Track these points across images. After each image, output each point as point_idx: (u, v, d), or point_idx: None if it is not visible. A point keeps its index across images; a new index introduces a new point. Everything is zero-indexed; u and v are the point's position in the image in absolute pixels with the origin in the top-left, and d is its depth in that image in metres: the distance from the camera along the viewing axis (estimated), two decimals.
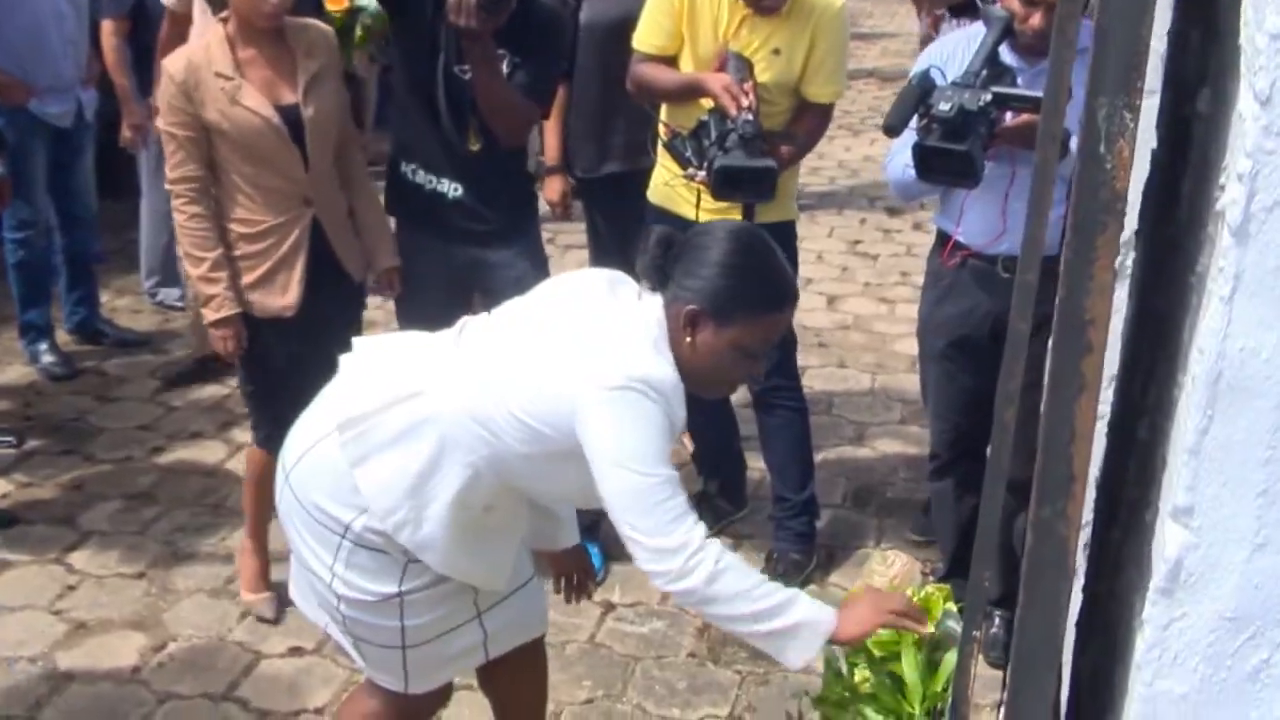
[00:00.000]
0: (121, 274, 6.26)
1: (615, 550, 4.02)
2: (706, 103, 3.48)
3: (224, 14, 3.43)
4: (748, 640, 2.27)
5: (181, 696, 3.39)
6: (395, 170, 3.67)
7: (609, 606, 3.79)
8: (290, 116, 3.41)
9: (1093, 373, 1.01)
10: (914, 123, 3.05)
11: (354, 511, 2.33)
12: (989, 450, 3.32)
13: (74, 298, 5.56)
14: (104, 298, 5.85)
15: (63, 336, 5.53)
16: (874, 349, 5.61)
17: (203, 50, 3.39)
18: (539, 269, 3.68)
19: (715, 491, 4.22)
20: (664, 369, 2.20)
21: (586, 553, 2.88)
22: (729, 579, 2.14)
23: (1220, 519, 1.01)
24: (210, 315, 3.42)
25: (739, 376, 2.45)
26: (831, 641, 2.24)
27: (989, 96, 2.94)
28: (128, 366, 5.42)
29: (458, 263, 3.64)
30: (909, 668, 2.27)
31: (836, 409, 4.99)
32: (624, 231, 4.27)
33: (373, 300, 3.83)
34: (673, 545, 2.12)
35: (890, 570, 2.66)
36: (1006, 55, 3.10)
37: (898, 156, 3.28)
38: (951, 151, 2.94)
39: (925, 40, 9.57)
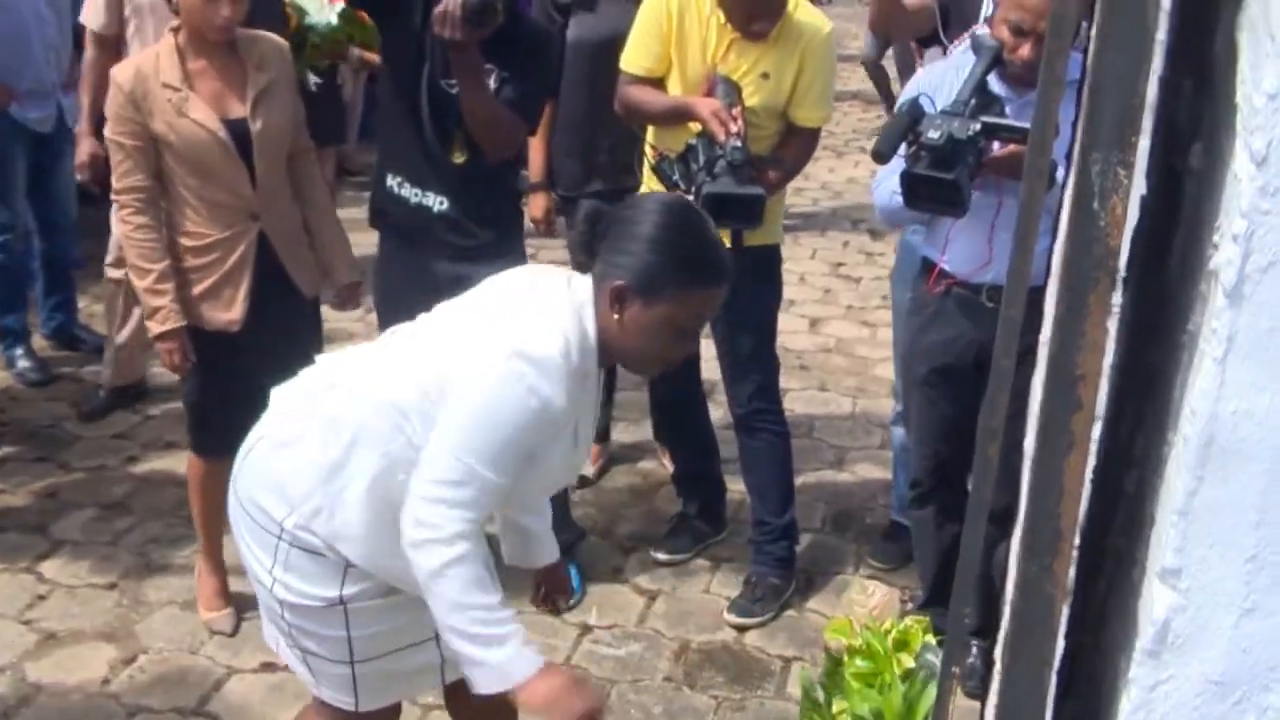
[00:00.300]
0: (99, 280, 6.17)
1: (592, 572, 4.01)
2: (695, 126, 3.48)
3: (174, 24, 3.40)
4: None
5: (152, 710, 3.36)
6: (381, 182, 3.64)
7: (585, 629, 3.78)
8: (238, 130, 3.38)
9: (1082, 430, 1.00)
10: (902, 150, 3.05)
11: (286, 507, 2.30)
12: (970, 482, 3.33)
13: (51, 303, 5.52)
14: (81, 304, 5.80)
15: (39, 342, 5.49)
16: (856, 373, 5.61)
17: (151, 60, 3.36)
18: None
19: (694, 513, 4.21)
20: (551, 344, 2.15)
21: (566, 571, 2.86)
22: (449, 585, 2.11)
23: (1209, 582, 1.00)
24: (156, 328, 3.38)
25: (673, 354, 2.38)
26: (510, 695, 2.17)
27: (978, 126, 2.94)
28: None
29: (441, 278, 3.61)
30: (890, 702, 2.26)
31: (817, 432, 4.99)
32: None
33: (353, 314, 3.81)
34: (426, 518, 2.12)
35: (870, 600, 2.65)
36: (995, 85, 3.11)
37: (885, 183, 3.27)
38: (939, 180, 2.94)
39: (870, 64, 9.61)
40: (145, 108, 3.30)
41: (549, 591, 2.82)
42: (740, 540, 4.17)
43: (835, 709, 2.41)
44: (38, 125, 5.05)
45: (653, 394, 4.28)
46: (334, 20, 5.24)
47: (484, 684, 2.17)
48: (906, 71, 10.09)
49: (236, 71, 3.40)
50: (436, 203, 3.55)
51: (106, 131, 3.39)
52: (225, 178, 3.38)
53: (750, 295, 3.72)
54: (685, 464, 4.22)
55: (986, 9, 3.58)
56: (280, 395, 2.44)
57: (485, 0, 3.21)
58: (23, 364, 5.27)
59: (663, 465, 4.67)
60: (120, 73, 3.33)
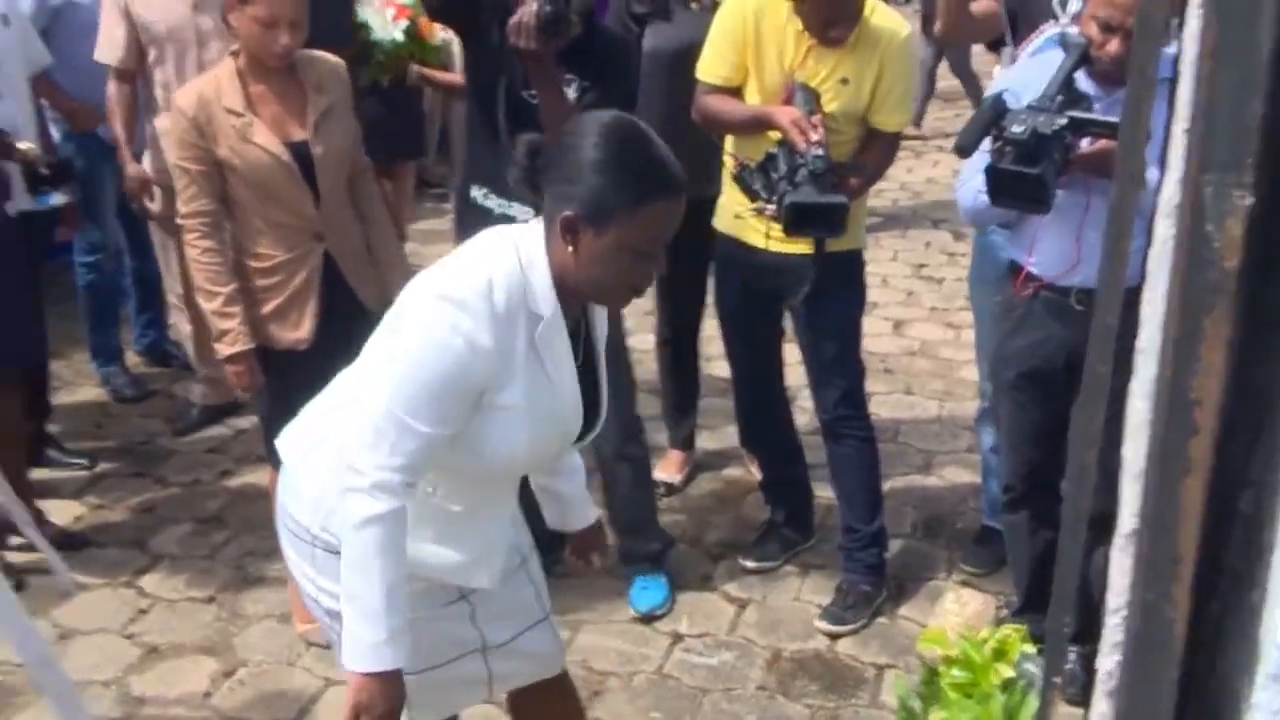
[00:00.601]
0: None
1: (681, 580, 4.02)
2: (774, 134, 3.47)
3: (235, 48, 3.45)
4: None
5: None
6: (465, 194, 3.68)
7: (676, 637, 3.78)
8: (300, 153, 3.42)
9: (1200, 454, 0.99)
10: (987, 145, 3.02)
11: (311, 512, 2.34)
12: (1065, 487, 3.29)
13: (143, 320, 5.64)
14: (171, 320, 5.91)
15: (132, 359, 5.61)
16: (941, 375, 5.57)
17: (213, 85, 3.40)
18: None
19: (782, 521, 4.20)
20: (472, 284, 2.11)
21: (601, 531, 2.81)
22: (361, 541, 2.11)
23: None
24: (225, 350, 3.43)
25: (638, 279, 2.23)
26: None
27: (1064, 121, 2.91)
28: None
29: None
30: (990, 712, 2.25)
31: (903, 437, 4.95)
32: (686, 259, 4.27)
33: None
34: (354, 463, 2.13)
35: (965, 610, 2.64)
36: (1083, 82, 3.07)
37: (969, 181, 3.24)
38: (1024, 175, 2.90)
39: (928, 69, 9.51)
40: (209, 133, 3.35)
41: (581, 550, 2.78)
42: (829, 547, 4.15)
43: (933, 719, 2.40)
44: None
45: (738, 401, 4.27)
46: (398, 37, 5.31)
47: (345, 656, 2.18)
48: (965, 78, 10.00)
49: (297, 95, 3.45)
50: (521, 213, 3.58)
51: (170, 157, 3.46)
52: (289, 200, 3.43)
53: (834, 300, 3.72)
54: (772, 471, 4.21)
55: (1059, 10, 3.54)
56: (309, 405, 2.50)
57: (558, 10, 3.25)
58: (117, 381, 5.38)
59: (749, 472, 4.66)
60: (183, 99, 3.37)
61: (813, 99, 3.47)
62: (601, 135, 2.14)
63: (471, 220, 3.67)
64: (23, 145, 4.01)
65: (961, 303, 6.36)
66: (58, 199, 4.05)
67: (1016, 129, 2.90)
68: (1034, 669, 2.35)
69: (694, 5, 3.99)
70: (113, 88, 4.66)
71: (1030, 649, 2.40)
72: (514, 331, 2.16)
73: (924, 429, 5.07)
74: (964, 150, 3.12)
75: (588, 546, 2.77)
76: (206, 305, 3.45)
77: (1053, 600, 1.88)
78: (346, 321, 3.53)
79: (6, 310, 3.89)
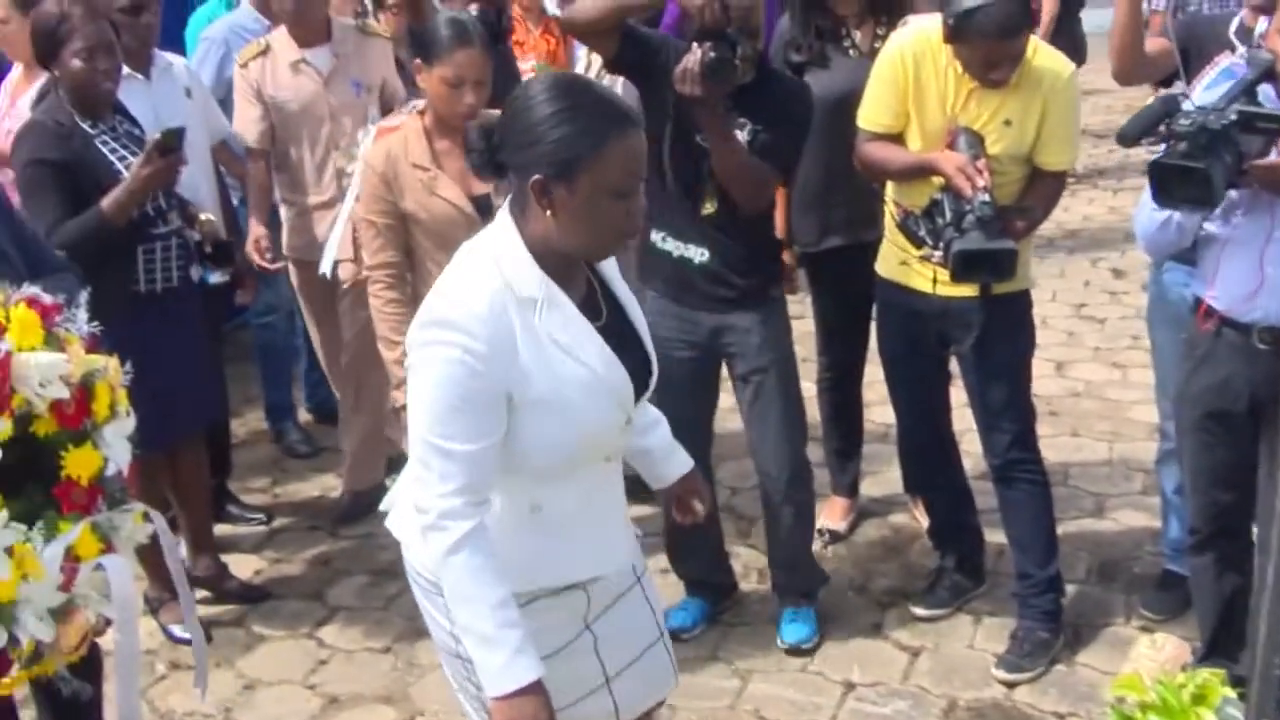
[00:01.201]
0: None
1: (851, 628, 3.98)
2: (938, 179, 3.46)
3: (420, 107, 3.62)
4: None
5: None
6: (646, 238, 3.73)
7: (849, 686, 3.75)
8: (483, 206, 3.55)
9: None
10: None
11: (422, 559, 2.39)
12: (1256, 529, 3.21)
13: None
14: None
15: (304, 415, 5.77)
16: (1108, 416, 5.44)
17: (400, 142, 3.56)
18: (781, 335, 3.77)
19: (952, 566, 4.13)
20: (453, 299, 2.16)
21: (698, 477, 2.76)
22: (452, 574, 2.17)
23: None
24: (402, 399, 3.40)
25: (623, 221, 2.21)
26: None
27: (1234, 115, 2.83)
28: None
29: (704, 329, 3.73)
30: None
31: (1073, 480, 4.84)
32: (848, 304, 4.27)
33: None
34: (417, 503, 2.19)
35: (1160, 655, 2.56)
36: (1269, 101, 2.98)
37: (1145, 207, 3.18)
38: (1190, 170, 2.82)
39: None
40: (397, 187, 3.51)
41: (683, 497, 2.73)
42: (1001, 592, 4.08)
43: None
44: None
45: (902, 445, 4.24)
46: None
47: (486, 687, 2.20)
48: None
49: None
50: (697, 254, 3.65)
51: (358, 211, 3.59)
52: None
53: (1002, 343, 3.68)
54: (941, 516, 4.16)
55: (1235, 40, 3.46)
56: None
57: (723, 57, 3.31)
58: (291, 437, 5.55)
59: (915, 518, 4.61)
60: (373, 156, 3.55)
61: (977, 143, 3.46)
62: (545, 92, 2.16)
63: (651, 264, 3.76)
64: (204, 216, 4.17)
65: (1126, 342, 6.23)
66: (217, 277, 4.18)
67: (1184, 121, 2.85)
68: (1238, 713, 2.27)
69: (852, 52, 4.00)
70: (251, 169, 4.80)
71: (1232, 693, 2.32)
72: (508, 326, 2.18)
73: (1094, 471, 4.95)
74: (1125, 138, 3.05)
75: (689, 493, 2.73)
76: (389, 354, 3.58)
77: (1262, 641, 1.83)
78: None
79: (194, 372, 4.05)
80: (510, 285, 2.19)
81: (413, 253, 3.58)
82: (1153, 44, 3.77)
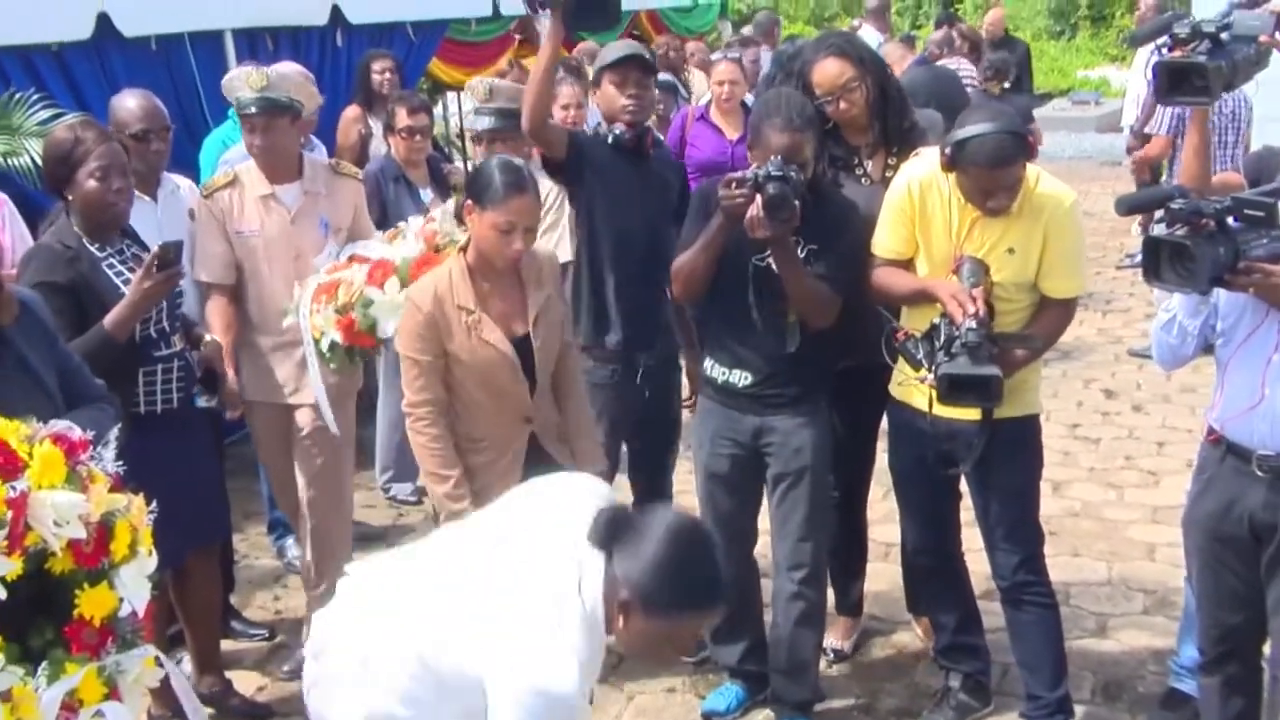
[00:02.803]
0: (355, 469, 6.50)
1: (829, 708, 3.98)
2: (940, 305, 3.55)
3: (463, 244, 3.64)
4: None
5: None
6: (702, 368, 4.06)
7: None
8: (523, 349, 3.61)
9: None
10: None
11: None
12: (1269, 649, 3.23)
13: None
14: None
15: None
16: (1106, 536, 5.48)
17: (445, 282, 3.58)
18: (819, 444, 3.92)
19: (959, 686, 4.13)
20: (566, 682, 2.39)
21: None
22: None
23: None
24: None
25: (669, 655, 2.83)
26: None
27: (1227, 201, 2.95)
28: (367, 560, 5.60)
29: (747, 429, 3.93)
30: None
31: (1074, 599, 4.87)
32: (857, 424, 4.32)
33: None
34: None
35: None
36: None
37: (1162, 318, 3.32)
38: (1180, 248, 2.93)
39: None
40: (443, 327, 3.53)
41: None
42: (1008, 712, 4.09)
43: None
44: None
45: (909, 563, 4.28)
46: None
47: None
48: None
49: (518, 291, 3.65)
50: (740, 378, 3.91)
51: (401, 348, 3.61)
52: (509, 391, 3.62)
53: (1010, 466, 3.74)
54: (948, 635, 4.16)
55: None
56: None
57: (783, 194, 3.51)
58: (293, 553, 5.53)
59: (919, 638, 4.62)
60: (419, 296, 3.58)
61: (979, 270, 3.55)
62: (668, 544, 2.46)
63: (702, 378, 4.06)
64: (209, 337, 4.18)
65: (1120, 462, 6.31)
66: (203, 402, 4.19)
67: (1180, 202, 2.96)
68: None
69: (864, 180, 4.10)
70: (211, 305, 4.47)
71: None
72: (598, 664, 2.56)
73: (1095, 591, 4.98)
74: (1122, 205, 3.28)
75: None
76: (438, 489, 3.60)
77: None
78: None
79: (204, 488, 4.08)
80: (594, 647, 2.52)
81: (451, 389, 3.61)
82: (1222, 177, 3.89)
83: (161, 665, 2.44)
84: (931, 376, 3.49)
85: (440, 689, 2.59)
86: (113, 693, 2.30)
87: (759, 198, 3.52)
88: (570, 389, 3.87)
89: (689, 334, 4.32)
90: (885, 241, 3.75)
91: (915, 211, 3.66)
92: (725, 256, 3.75)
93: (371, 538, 5.78)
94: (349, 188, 4.71)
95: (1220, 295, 3.13)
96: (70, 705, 2.22)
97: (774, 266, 3.72)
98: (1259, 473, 3.14)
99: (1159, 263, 3.00)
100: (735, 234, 3.65)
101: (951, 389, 3.43)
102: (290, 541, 5.56)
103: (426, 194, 5.96)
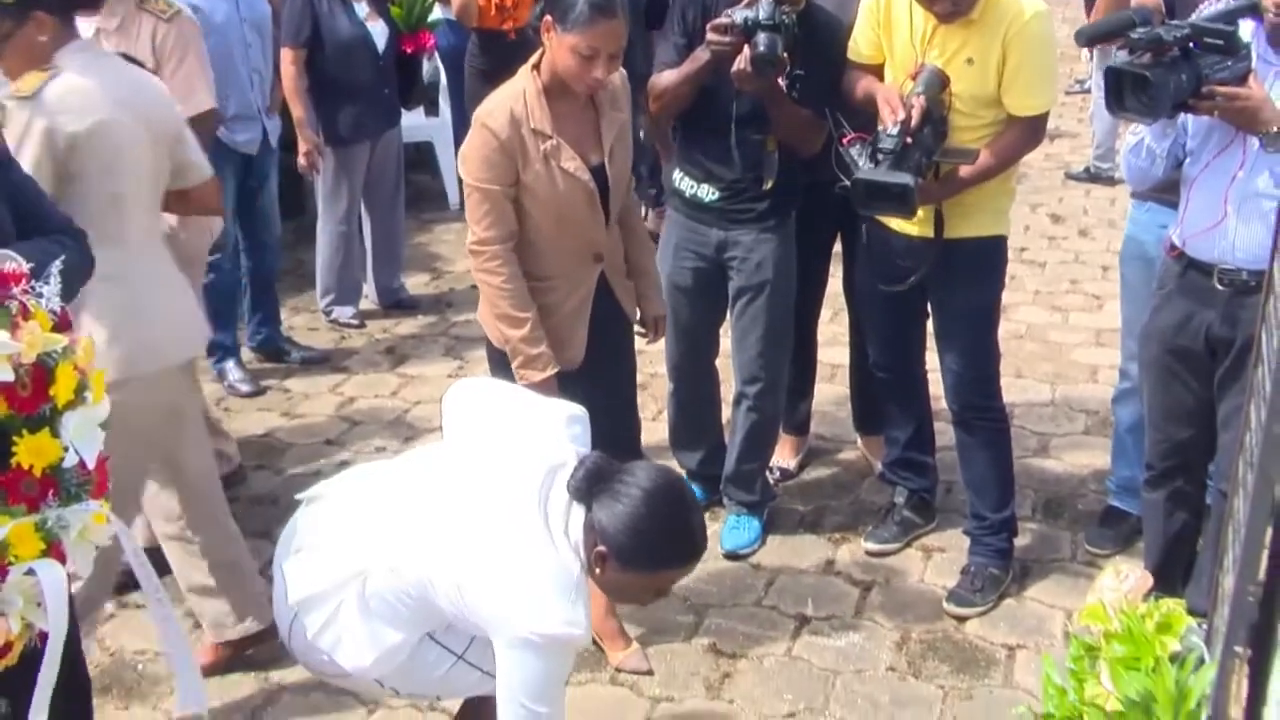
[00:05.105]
0: (295, 292, 6.42)
1: (804, 563, 4.04)
2: None
3: (536, 61, 3.30)
4: None
5: None
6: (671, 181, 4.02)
7: (803, 620, 3.80)
8: (600, 178, 3.34)
9: None
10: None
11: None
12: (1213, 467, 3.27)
13: (258, 318, 5.72)
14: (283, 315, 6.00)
15: (246, 354, 5.69)
16: (1050, 359, 5.53)
17: (520, 104, 3.24)
18: (781, 260, 3.90)
19: (904, 503, 4.19)
20: (575, 625, 2.41)
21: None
22: None
23: None
24: (535, 376, 3.30)
25: (645, 602, 2.85)
26: None
27: (1186, 30, 2.92)
28: (309, 383, 5.56)
29: (712, 242, 3.93)
30: (1161, 683, 2.23)
31: (1018, 420, 4.90)
32: (810, 242, 4.22)
33: None
34: None
35: (1124, 584, 2.61)
36: (1262, 48, 3.03)
37: (1127, 135, 3.31)
38: (1140, 79, 2.92)
39: None
40: (518, 156, 3.24)
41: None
42: (951, 529, 4.15)
43: (1089, 694, 2.39)
44: (245, 148, 5.25)
45: (864, 379, 4.31)
46: None
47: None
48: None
49: (591, 115, 3.35)
50: (708, 193, 3.89)
51: (469, 178, 3.27)
52: (584, 223, 3.36)
53: (971, 286, 3.71)
54: (899, 450, 4.19)
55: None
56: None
57: (770, 52, 3.48)
58: (233, 376, 5.47)
59: (864, 457, 4.66)
60: (492, 119, 3.23)
61: (935, 81, 3.46)
62: (647, 502, 2.46)
63: (670, 189, 4.01)
64: None
65: (1065, 286, 6.33)
66: None
67: (1141, 31, 2.92)
68: (1199, 642, 2.34)
69: None
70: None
71: (1194, 623, 2.38)
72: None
73: (1038, 412, 5.04)
74: (1082, 36, 3.32)
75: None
76: (513, 332, 3.31)
77: (1236, 569, 1.88)
78: (605, 336, 3.51)
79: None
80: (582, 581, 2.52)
81: (519, 223, 3.31)
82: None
83: (110, 521, 2.24)
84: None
85: (429, 618, 2.64)
86: (54, 549, 2.11)
87: (747, 49, 3.47)
88: (637, 230, 3.64)
89: (667, 148, 4.17)
90: (855, 45, 3.69)
91: (883, 15, 3.58)
92: (708, 84, 3.69)
93: (315, 361, 5.74)
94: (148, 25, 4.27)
95: (1188, 116, 3.09)
96: (1, 563, 2.03)
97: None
98: (1219, 286, 3.13)
99: (1122, 92, 2.98)
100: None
101: (868, 195, 3.38)
102: (231, 364, 5.49)
103: (362, 8, 5.76)
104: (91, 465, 2.17)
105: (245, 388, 5.45)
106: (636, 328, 3.72)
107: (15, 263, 2.14)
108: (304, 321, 6.23)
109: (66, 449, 2.13)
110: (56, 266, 2.19)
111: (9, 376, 2.04)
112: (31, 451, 2.08)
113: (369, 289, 6.38)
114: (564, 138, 3.27)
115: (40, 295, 2.14)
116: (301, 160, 5.67)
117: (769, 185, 3.78)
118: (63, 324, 2.18)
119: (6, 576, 2.05)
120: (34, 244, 2.38)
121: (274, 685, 3.56)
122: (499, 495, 2.55)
